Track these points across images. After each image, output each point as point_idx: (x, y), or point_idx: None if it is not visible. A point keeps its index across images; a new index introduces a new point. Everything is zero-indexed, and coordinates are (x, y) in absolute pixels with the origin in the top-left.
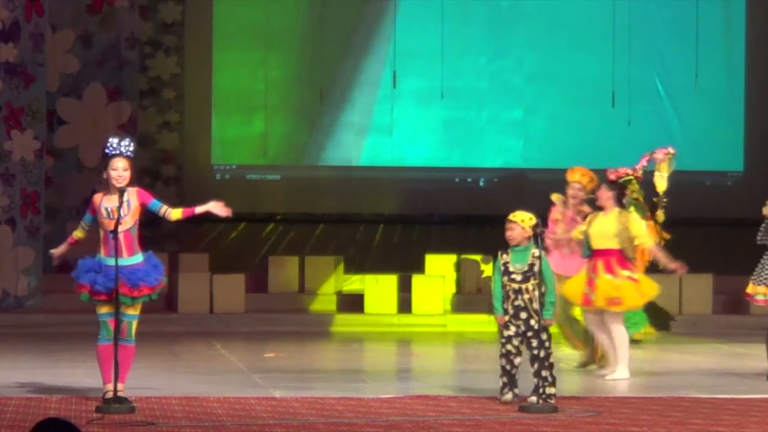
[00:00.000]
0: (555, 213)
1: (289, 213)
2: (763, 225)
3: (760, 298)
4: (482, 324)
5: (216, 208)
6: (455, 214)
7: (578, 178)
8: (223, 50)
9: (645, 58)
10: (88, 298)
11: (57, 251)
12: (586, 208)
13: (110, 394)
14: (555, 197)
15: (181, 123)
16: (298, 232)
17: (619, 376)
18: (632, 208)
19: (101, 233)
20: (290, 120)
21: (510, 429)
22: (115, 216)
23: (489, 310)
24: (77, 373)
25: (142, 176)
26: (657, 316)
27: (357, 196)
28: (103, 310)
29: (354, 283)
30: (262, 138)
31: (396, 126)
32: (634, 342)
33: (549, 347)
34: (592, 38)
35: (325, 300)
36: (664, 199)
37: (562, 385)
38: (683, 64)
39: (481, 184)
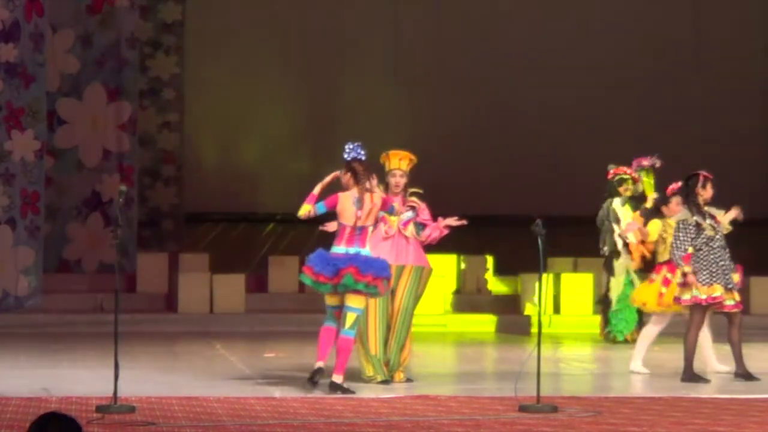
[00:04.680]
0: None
1: (289, 213)
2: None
3: None
4: (482, 324)
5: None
6: (455, 214)
7: (398, 164)
8: (222, 50)
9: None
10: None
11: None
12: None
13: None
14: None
15: (181, 123)
16: (298, 232)
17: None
18: (628, 206)
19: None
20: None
21: (510, 429)
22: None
23: None
24: (77, 373)
25: (142, 176)
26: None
27: None
28: (334, 301)
29: None
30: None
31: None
32: (625, 342)
33: None
34: (591, 38)
35: None
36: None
37: (562, 385)
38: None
39: (482, 184)
